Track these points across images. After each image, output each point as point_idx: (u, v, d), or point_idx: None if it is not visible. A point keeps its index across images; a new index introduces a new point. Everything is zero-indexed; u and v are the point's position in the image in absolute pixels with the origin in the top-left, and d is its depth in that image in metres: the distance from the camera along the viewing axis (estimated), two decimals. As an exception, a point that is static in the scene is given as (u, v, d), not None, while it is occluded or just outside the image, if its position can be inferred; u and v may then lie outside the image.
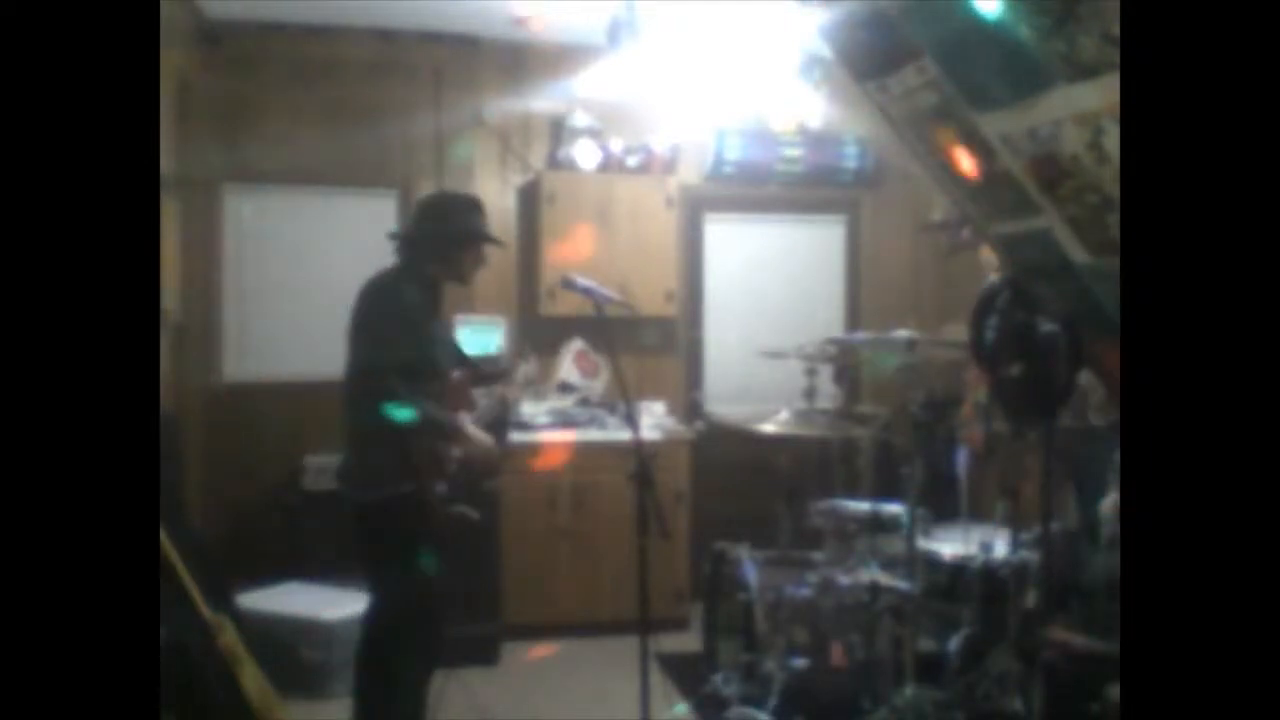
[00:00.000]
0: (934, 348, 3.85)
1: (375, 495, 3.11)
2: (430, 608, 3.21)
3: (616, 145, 5.33)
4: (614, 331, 3.40)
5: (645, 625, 2.93)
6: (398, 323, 3.11)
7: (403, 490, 3.10)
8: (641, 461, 2.91)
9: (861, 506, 3.77)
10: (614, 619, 4.63)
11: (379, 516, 3.12)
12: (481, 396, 3.42)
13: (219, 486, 4.99)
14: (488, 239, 3.34)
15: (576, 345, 5.30)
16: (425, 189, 5.22)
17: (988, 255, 4.30)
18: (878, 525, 3.67)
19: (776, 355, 3.79)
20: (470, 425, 3.23)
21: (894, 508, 3.67)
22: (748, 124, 5.54)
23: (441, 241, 3.26)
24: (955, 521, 3.77)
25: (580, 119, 5.33)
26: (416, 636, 3.19)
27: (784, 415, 3.62)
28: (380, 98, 5.23)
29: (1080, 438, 3.58)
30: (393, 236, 3.41)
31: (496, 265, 3.61)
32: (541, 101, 5.39)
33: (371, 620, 3.22)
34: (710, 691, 3.77)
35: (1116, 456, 3.44)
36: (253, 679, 3.35)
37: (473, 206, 3.37)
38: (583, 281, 3.15)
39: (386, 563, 3.15)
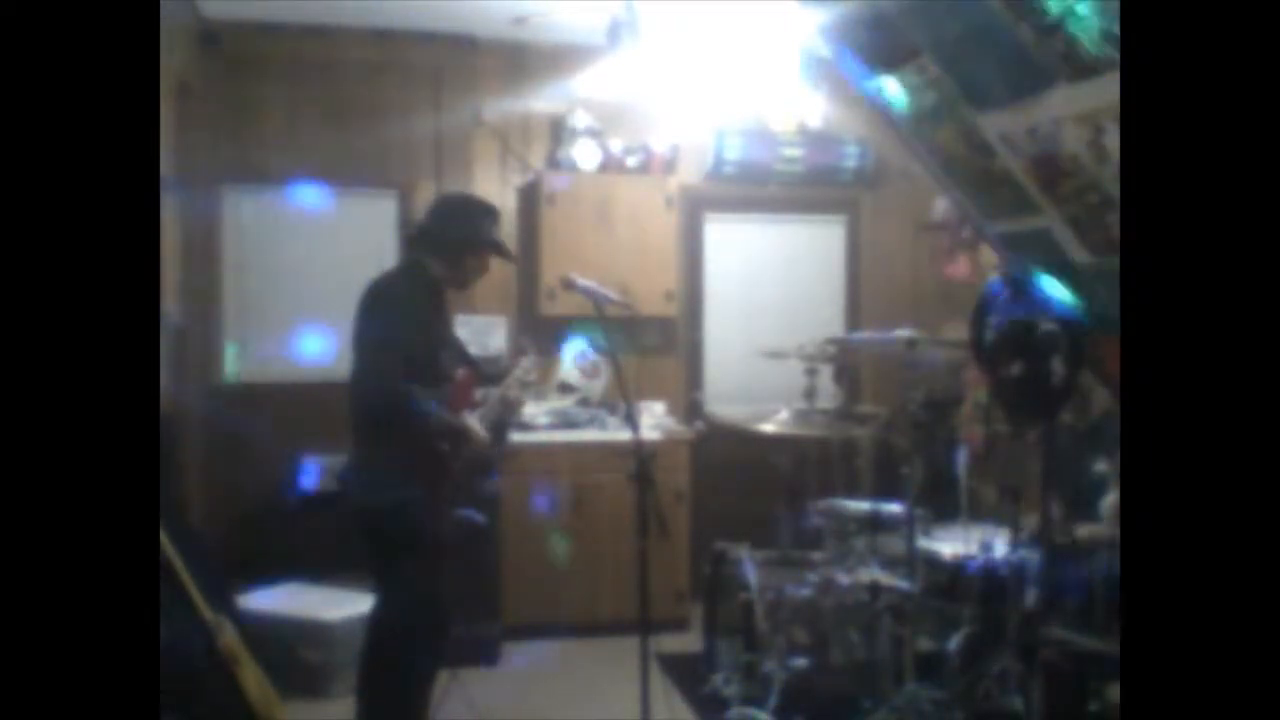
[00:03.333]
0: (934, 348, 3.85)
1: (382, 500, 3.10)
2: (435, 610, 3.20)
3: (616, 145, 5.33)
4: (614, 331, 3.40)
5: (645, 625, 2.93)
6: (405, 325, 3.10)
7: (410, 495, 3.09)
8: (642, 462, 2.91)
9: (861, 506, 3.77)
10: (614, 619, 4.63)
11: (386, 521, 3.10)
12: (483, 398, 3.42)
13: (219, 486, 4.99)
14: (496, 249, 3.32)
15: (577, 346, 5.30)
16: (425, 189, 5.22)
17: (988, 255, 4.31)
18: (878, 525, 3.67)
19: (777, 355, 3.79)
20: (471, 419, 3.22)
21: (894, 507, 3.68)
22: (748, 124, 5.54)
23: (450, 244, 3.25)
24: (955, 521, 3.77)
25: (580, 119, 5.32)
26: (421, 639, 3.18)
27: (784, 415, 3.62)
28: (379, 98, 5.23)
29: (1072, 437, 3.59)
30: (404, 229, 3.38)
31: (497, 265, 3.61)
32: (541, 101, 5.39)
33: (377, 622, 3.21)
34: (710, 691, 3.77)
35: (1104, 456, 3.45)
36: (253, 679, 3.34)
37: (487, 212, 3.34)
38: (583, 282, 3.14)
39: (393, 567, 3.14)
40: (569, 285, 3.15)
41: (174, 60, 4.56)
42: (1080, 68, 2.27)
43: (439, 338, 3.25)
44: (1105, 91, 2.25)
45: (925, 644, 3.55)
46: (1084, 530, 3.15)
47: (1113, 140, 2.38)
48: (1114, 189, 2.52)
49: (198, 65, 4.95)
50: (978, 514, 3.83)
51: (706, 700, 3.79)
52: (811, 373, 3.69)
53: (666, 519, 3.02)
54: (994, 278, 3.29)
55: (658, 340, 5.54)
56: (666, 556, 4.62)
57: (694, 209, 5.63)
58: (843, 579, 3.54)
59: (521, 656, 4.61)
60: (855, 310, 5.84)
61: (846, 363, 4.69)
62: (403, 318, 3.11)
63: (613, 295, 3.24)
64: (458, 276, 3.30)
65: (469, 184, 5.24)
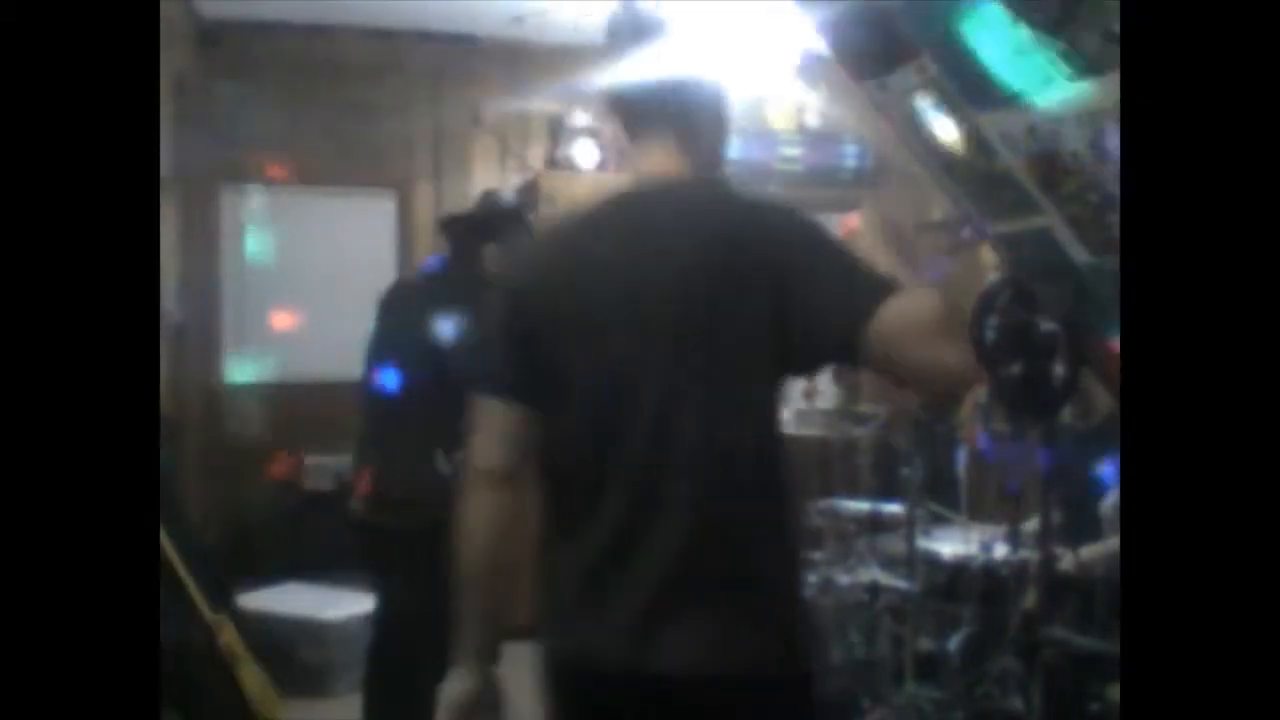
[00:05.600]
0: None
1: (407, 520, 2.93)
2: (447, 615, 3.11)
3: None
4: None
5: None
6: (478, 328, 2.96)
7: (442, 514, 2.95)
8: None
9: (861, 506, 3.77)
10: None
11: (409, 542, 2.91)
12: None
13: (219, 487, 4.99)
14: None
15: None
16: (423, 189, 5.22)
17: (988, 254, 4.30)
18: (877, 525, 3.67)
19: (776, 355, 3.78)
20: None
21: (894, 507, 3.68)
22: (746, 123, 5.53)
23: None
24: (955, 521, 3.77)
25: (579, 118, 5.32)
26: (435, 638, 3.09)
27: (784, 415, 3.62)
28: (378, 97, 5.23)
29: (1075, 438, 3.58)
30: (450, 224, 3.19)
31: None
32: (540, 101, 5.39)
33: (385, 631, 3.13)
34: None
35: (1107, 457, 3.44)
36: (253, 679, 3.35)
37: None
38: None
39: (407, 571, 2.96)
40: None
41: (173, 59, 4.56)
42: (1081, 66, 2.27)
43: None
44: (1105, 91, 2.25)
45: (925, 644, 3.55)
46: (1086, 552, 3.14)
47: (1113, 140, 2.38)
48: (1114, 188, 2.52)
49: (196, 64, 4.94)
50: (978, 514, 3.83)
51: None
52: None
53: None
54: (994, 277, 3.29)
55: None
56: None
57: (694, 209, 5.63)
58: (843, 579, 3.54)
59: (521, 657, 4.60)
60: (855, 310, 5.83)
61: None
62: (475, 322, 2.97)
63: None
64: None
65: (468, 184, 5.24)
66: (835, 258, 1.51)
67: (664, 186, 1.63)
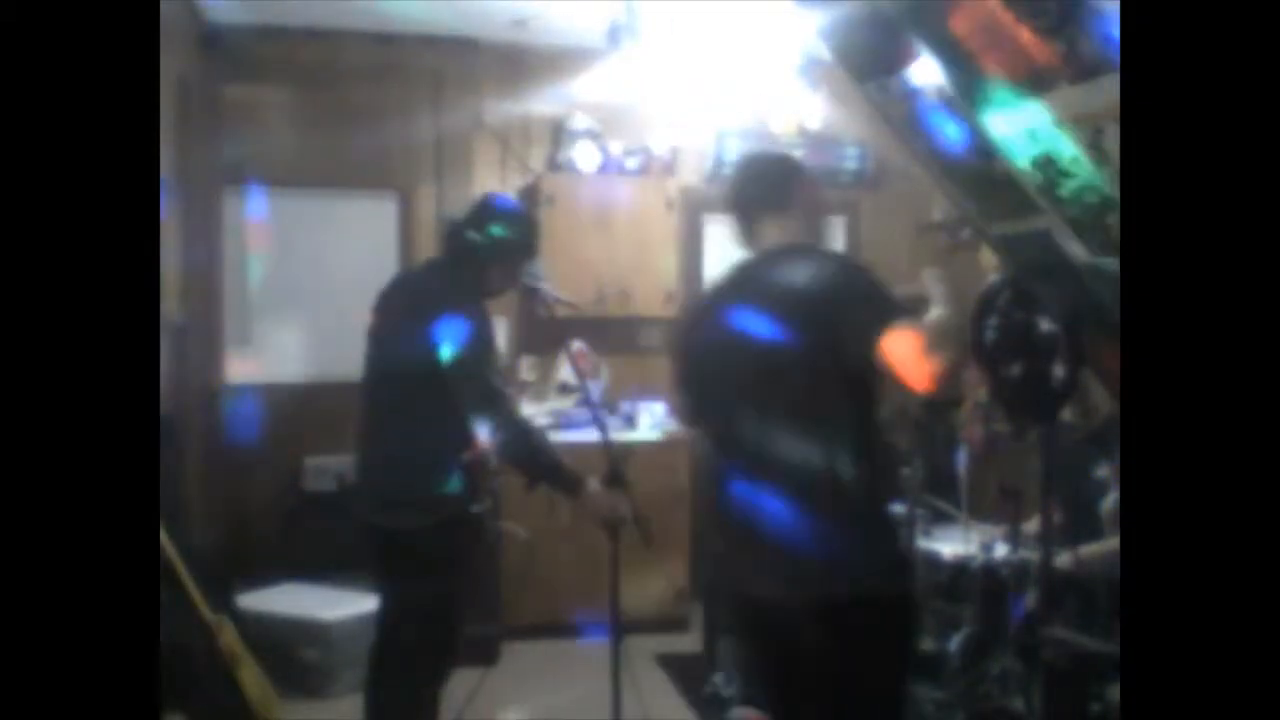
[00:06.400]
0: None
1: (416, 520, 2.90)
2: (451, 617, 3.08)
3: (616, 148, 5.33)
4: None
5: (617, 629, 3.08)
6: (483, 329, 2.95)
7: (451, 513, 2.93)
8: (613, 463, 2.92)
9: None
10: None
11: (418, 543, 2.90)
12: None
13: (219, 487, 4.99)
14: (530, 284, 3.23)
15: (576, 346, 5.30)
16: (425, 192, 5.23)
17: (988, 255, 4.31)
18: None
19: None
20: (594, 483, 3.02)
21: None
22: (747, 126, 5.54)
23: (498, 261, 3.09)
24: (955, 521, 3.77)
25: (580, 121, 5.33)
26: (438, 639, 3.07)
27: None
28: (379, 100, 5.23)
29: (1075, 440, 3.58)
30: (457, 231, 3.11)
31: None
32: (541, 104, 5.39)
33: (387, 632, 3.11)
34: (710, 691, 3.77)
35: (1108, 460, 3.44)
36: (253, 679, 3.35)
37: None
38: (532, 281, 3.12)
39: (413, 574, 2.94)
40: (521, 283, 3.15)
41: (175, 61, 4.56)
42: (1080, 69, 2.28)
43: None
44: (1105, 93, 2.26)
45: (925, 644, 3.55)
46: (1086, 552, 3.13)
47: (1112, 141, 2.38)
48: (1114, 189, 2.53)
49: (198, 67, 4.95)
50: (978, 514, 3.83)
51: (707, 700, 3.79)
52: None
53: (650, 522, 3.01)
54: (994, 278, 3.29)
55: (658, 340, 5.54)
56: (666, 556, 4.61)
57: (694, 211, 5.63)
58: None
59: (521, 656, 4.61)
60: (855, 311, 5.83)
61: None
62: (482, 322, 2.96)
63: (560, 295, 3.22)
64: (490, 290, 3.14)
65: (469, 187, 5.24)
66: (867, 299, 2.08)
67: (767, 256, 2.31)
